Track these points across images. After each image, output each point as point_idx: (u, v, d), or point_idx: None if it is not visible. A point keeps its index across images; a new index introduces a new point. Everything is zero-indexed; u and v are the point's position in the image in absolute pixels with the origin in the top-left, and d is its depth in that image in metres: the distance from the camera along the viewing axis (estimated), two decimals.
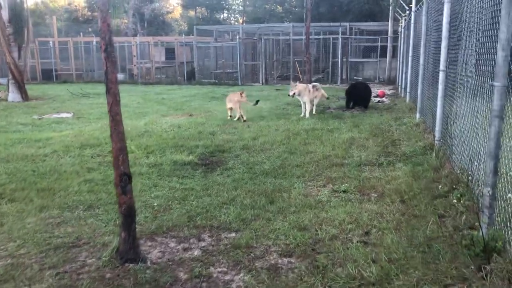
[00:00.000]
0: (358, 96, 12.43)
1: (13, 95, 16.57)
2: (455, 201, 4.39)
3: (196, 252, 3.88)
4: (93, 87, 22.77)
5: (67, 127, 10.59)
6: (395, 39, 23.76)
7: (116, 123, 3.26)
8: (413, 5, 11.41)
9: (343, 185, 5.54)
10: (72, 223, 4.56)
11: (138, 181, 6.09)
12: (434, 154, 6.34)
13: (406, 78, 15.16)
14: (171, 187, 5.87)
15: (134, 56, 29.28)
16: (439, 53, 6.56)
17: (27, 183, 5.97)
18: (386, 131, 8.86)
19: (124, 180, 3.35)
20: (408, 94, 12.64)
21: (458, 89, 5.62)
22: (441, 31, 6.52)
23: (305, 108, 11.19)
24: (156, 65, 29.50)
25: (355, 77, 25.17)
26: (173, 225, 4.44)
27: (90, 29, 47.76)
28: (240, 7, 57.93)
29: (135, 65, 29.15)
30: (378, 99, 14.99)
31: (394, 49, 23.67)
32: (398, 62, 20.52)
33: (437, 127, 6.34)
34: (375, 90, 16.85)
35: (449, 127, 5.97)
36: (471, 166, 4.61)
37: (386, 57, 24.39)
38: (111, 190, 5.67)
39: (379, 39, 25.18)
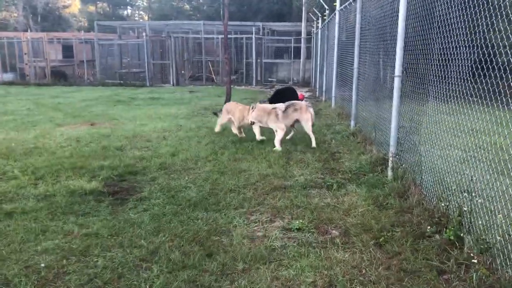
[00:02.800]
0: (287, 99, 11.43)
1: None
2: (450, 245, 3.45)
3: None
4: None
5: None
6: (308, 40, 23.49)
7: None
8: (337, 3, 10.70)
9: (296, 221, 4.40)
10: None
11: (20, 225, 4.45)
12: (390, 173, 5.47)
13: (324, 81, 14.63)
14: (66, 232, 4.32)
15: (26, 53, 25.89)
16: (389, 56, 5.73)
17: None
18: (322, 142, 7.95)
19: None
20: (333, 98, 11.98)
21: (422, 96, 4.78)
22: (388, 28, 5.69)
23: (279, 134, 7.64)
24: (52, 64, 26.37)
25: (269, 79, 24.53)
26: None
27: None
28: (145, 3, 55.09)
29: (27, 64, 25.78)
30: None
31: (308, 50, 23.39)
32: (313, 64, 20.16)
33: (392, 141, 5.49)
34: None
35: (410, 142, 5.13)
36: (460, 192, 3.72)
37: (299, 58, 24.06)
38: None
39: (292, 40, 24.79)
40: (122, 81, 23.22)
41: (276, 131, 7.60)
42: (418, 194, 4.61)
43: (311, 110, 7.86)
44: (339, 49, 11.14)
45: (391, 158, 5.54)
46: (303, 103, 8.15)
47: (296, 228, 4.23)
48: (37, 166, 6.58)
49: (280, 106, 7.73)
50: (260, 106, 7.82)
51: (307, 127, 7.74)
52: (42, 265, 3.61)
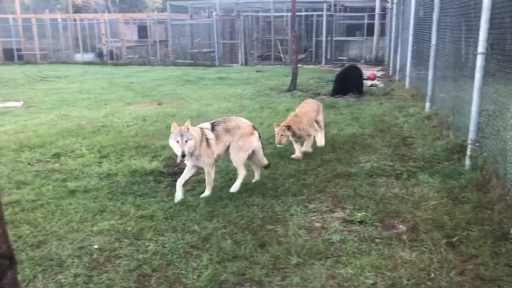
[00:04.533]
0: (352, 81, 10.92)
1: None
2: None
3: None
4: (56, 69, 20.70)
5: (10, 120, 8.82)
6: (382, 16, 22.27)
7: None
8: None
9: (358, 212, 4.05)
10: None
11: (81, 203, 4.51)
12: (468, 162, 4.91)
13: (398, 59, 13.76)
14: (123, 213, 4.31)
15: (103, 34, 27.06)
16: (472, 31, 5.08)
17: None
18: (393, 126, 7.40)
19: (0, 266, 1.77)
20: (407, 77, 11.20)
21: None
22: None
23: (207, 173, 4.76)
24: (128, 44, 27.36)
25: (339, 57, 23.68)
26: None
27: (59, 6, 44.73)
28: None
29: (104, 45, 26.96)
30: (370, 82, 13.54)
31: (382, 26, 22.19)
32: (387, 41, 19.08)
33: (472, 126, 4.89)
34: (364, 71, 15.37)
35: (494, 127, 4.54)
36: None
37: (372, 35, 22.91)
38: (39, 221, 4.10)
39: (366, 16, 23.63)
40: (192, 61, 23.54)
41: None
42: (501, 187, 4.05)
43: (256, 134, 4.93)
44: (416, 25, 10.32)
45: (470, 145, 4.95)
46: (244, 122, 4.96)
47: (358, 221, 3.89)
48: (104, 144, 6.73)
49: (209, 132, 4.71)
50: (193, 129, 4.57)
51: (235, 158, 4.78)
52: (95, 247, 3.60)
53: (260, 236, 3.64)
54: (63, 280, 3.11)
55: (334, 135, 6.87)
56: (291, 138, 5.81)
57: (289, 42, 22.95)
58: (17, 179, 5.28)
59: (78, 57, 26.88)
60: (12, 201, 4.61)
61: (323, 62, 22.10)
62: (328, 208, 4.23)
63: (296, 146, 5.93)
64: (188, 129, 4.40)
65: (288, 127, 5.66)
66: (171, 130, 4.38)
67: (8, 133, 7.66)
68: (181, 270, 3.17)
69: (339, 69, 16.37)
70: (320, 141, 6.35)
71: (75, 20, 28.39)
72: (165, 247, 3.54)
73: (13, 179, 5.28)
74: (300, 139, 5.94)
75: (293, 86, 11.83)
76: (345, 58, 23.37)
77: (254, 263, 3.23)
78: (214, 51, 23.53)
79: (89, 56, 27.09)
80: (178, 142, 4.32)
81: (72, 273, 3.18)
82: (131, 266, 3.26)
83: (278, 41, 23.89)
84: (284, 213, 4.12)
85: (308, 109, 6.27)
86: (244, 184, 4.86)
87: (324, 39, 22.33)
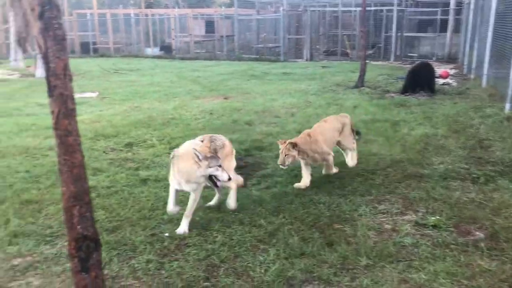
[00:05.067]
0: (423, 79, 10.46)
1: (41, 71, 15.51)
2: None
3: None
4: (128, 62, 21.63)
5: (87, 110, 9.32)
6: (457, 11, 21.14)
7: (67, 148, 1.77)
8: None
9: (431, 216, 3.88)
10: (41, 273, 3.16)
11: (152, 192, 4.69)
12: None
13: (474, 57, 12.99)
14: None
15: (173, 29, 27.91)
16: None
17: (12, 192, 4.67)
18: (468, 126, 7.01)
19: (86, 248, 1.88)
20: (484, 76, 10.55)
21: None
22: None
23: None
24: (195, 39, 28.03)
25: (409, 54, 22.79)
26: (184, 285, 2.96)
27: (132, 1, 46.71)
28: None
29: (173, 39, 27.80)
30: (442, 80, 12.91)
31: (456, 22, 21.08)
32: (463, 38, 18.10)
33: None
34: (436, 69, 14.67)
35: None
36: None
37: (445, 31, 21.82)
38: (114, 207, 4.30)
39: (439, 11, 22.54)
40: (257, 56, 23.67)
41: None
42: None
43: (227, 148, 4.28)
44: (496, 21, 9.68)
45: None
46: (226, 139, 4.37)
47: (432, 225, 3.72)
48: (173, 136, 6.94)
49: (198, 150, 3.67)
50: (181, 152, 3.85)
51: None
52: (166, 234, 3.71)
53: (328, 234, 3.59)
54: (136, 264, 3.24)
55: (404, 134, 6.62)
56: (299, 160, 4.72)
57: (356, 37, 22.46)
58: (93, 166, 5.57)
59: (149, 51, 27.92)
60: (89, 187, 4.87)
61: (392, 59, 21.39)
62: (398, 210, 4.08)
63: (305, 172, 4.81)
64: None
65: (294, 145, 4.60)
66: (198, 156, 3.56)
67: (85, 122, 8.10)
68: (248, 263, 3.20)
69: (409, 66, 15.77)
70: (352, 160, 5.27)
71: (146, 15, 29.52)
72: (232, 239, 3.59)
73: (89, 166, 5.57)
74: (315, 163, 4.90)
75: (360, 83, 11.54)
76: (416, 55, 22.45)
77: (322, 261, 3.19)
78: (279, 46, 23.50)
79: (158, 50, 28.02)
80: (220, 166, 3.69)
81: (144, 258, 3.31)
82: (200, 256, 3.33)
83: (345, 36, 23.43)
84: (352, 213, 4.03)
85: (326, 127, 5.02)
86: (311, 181, 4.81)
87: (393, 34, 21.60)
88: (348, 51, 23.15)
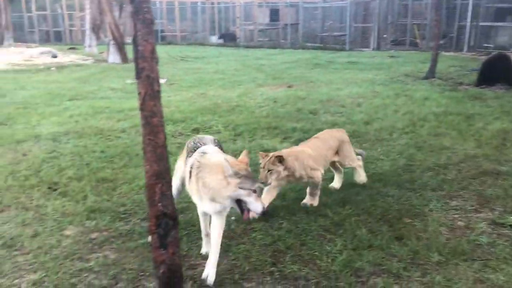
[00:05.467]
0: (501, 71, 9.83)
1: (113, 57, 16.32)
2: None
3: None
4: (194, 50, 22.12)
5: None
6: None
7: (151, 129, 1.84)
8: None
9: (510, 215, 3.66)
10: (116, 248, 3.34)
11: None
12: None
13: None
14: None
15: (238, 17, 28.15)
16: None
17: (89, 169, 4.95)
18: None
19: (165, 225, 1.96)
20: None
21: None
22: None
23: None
24: (259, 27, 28.10)
25: (484, 44, 21.48)
26: (251, 268, 3.01)
27: None
28: None
29: (238, 27, 28.05)
30: None
31: None
32: None
33: None
34: None
35: None
36: None
37: None
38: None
39: None
40: (322, 45, 23.34)
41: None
42: None
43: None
44: None
45: None
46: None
47: (510, 225, 3.51)
48: (237, 123, 7.02)
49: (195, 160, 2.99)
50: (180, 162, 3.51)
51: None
52: (233, 218, 3.78)
53: (397, 228, 3.49)
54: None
55: (480, 128, 6.27)
56: (282, 176, 3.80)
57: (427, 26, 21.49)
58: None
59: (213, 39, 28.37)
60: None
61: (465, 49, 20.28)
62: (473, 208, 3.89)
63: (267, 194, 3.85)
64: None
65: (280, 158, 3.73)
66: (227, 171, 2.68)
67: None
68: (315, 252, 3.18)
69: (484, 57, 14.86)
70: (360, 177, 4.47)
71: (212, 3, 29.95)
72: (298, 227, 3.59)
73: None
74: (298, 181, 3.99)
75: (431, 74, 11.05)
76: (492, 45, 21.12)
77: (391, 255, 3.11)
78: (345, 35, 23.02)
79: (217, 38, 28.35)
80: (255, 192, 2.77)
81: None
82: (267, 241, 3.37)
83: (414, 25, 22.49)
84: (422, 208, 3.89)
85: (318, 144, 4.20)
86: (378, 173, 4.71)
87: (468, 24, 20.43)
88: (418, 41, 22.23)
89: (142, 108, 1.85)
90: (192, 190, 2.94)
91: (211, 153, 2.98)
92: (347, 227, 3.53)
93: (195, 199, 2.98)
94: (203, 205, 2.91)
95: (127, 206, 4.06)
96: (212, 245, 2.92)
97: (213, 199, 2.79)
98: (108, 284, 2.82)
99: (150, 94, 1.84)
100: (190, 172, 2.92)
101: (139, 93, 1.85)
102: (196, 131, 6.72)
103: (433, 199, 4.05)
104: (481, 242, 3.26)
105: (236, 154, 5.55)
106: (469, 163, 4.98)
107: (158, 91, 1.85)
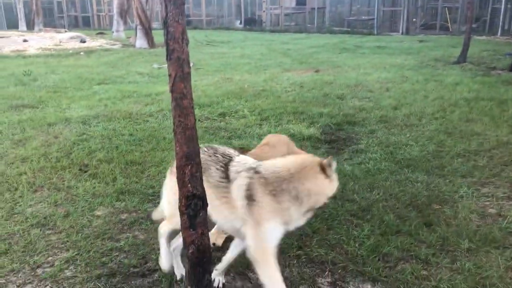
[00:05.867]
0: None
1: (140, 41, 16.46)
2: None
3: None
4: (219, 35, 22.09)
5: None
6: None
7: (182, 111, 1.85)
8: None
9: None
10: (145, 228, 3.40)
11: None
12: None
13: None
14: None
15: (264, 1, 27.91)
16: None
17: (118, 152, 5.04)
18: None
19: (194, 205, 1.98)
20: None
21: None
22: None
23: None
24: (286, 12, 27.81)
25: None
26: (277, 251, 3.02)
27: None
28: None
29: (264, 11, 27.84)
30: None
31: None
32: None
33: None
34: None
35: None
36: None
37: None
38: None
39: None
40: (349, 29, 22.96)
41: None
42: None
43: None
44: None
45: None
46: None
47: None
48: (264, 107, 7.01)
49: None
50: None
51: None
52: None
53: (426, 214, 3.44)
54: None
55: None
56: None
57: (459, 9, 20.86)
58: None
59: (238, 23, 28.25)
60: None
61: (499, 33, 19.61)
62: (505, 195, 3.79)
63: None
64: None
65: None
66: (332, 163, 2.24)
67: None
68: (341, 236, 3.17)
69: None
70: None
71: None
72: (324, 212, 3.57)
73: None
74: None
75: (463, 58, 10.74)
76: None
77: (420, 241, 3.07)
78: (373, 19, 22.57)
79: (238, 24, 28.18)
80: None
81: None
82: None
83: (446, 8, 21.85)
84: (452, 194, 3.82)
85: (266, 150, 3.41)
86: (406, 159, 4.64)
87: (502, 6, 19.72)
88: (449, 24, 21.61)
89: (173, 89, 1.85)
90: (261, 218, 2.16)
91: (260, 162, 2.35)
92: (374, 213, 3.50)
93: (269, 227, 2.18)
94: (279, 229, 2.21)
95: (155, 188, 4.12)
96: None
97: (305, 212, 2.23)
98: (137, 263, 2.89)
99: (180, 76, 1.84)
100: (248, 196, 2.17)
101: (170, 75, 1.86)
102: (222, 115, 6.75)
103: (464, 186, 3.97)
104: None
105: (262, 139, 5.60)
106: (501, 149, 4.85)
107: (188, 73, 1.86)
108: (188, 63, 1.88)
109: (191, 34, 21.44)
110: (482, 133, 5.41)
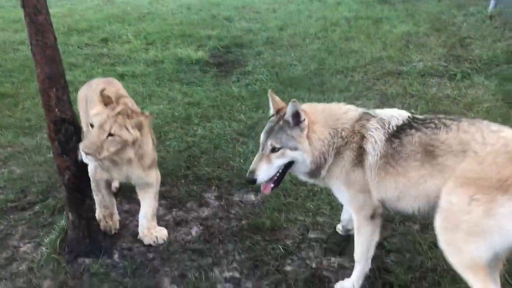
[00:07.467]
0: None
1: None
2: None
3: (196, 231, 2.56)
4: None
5: (57, 3, 8.79)
6: None
7: (38, 28, 1.70)
8: None
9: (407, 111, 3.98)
10: (22, 162, 3.21)
11: (130, 87, 4.61)
12: None
13: None
14: (170, 99, 4.42)
15: None
16: None
17: None
18: (450, 25, 6.91)
19: (64, 130, 1.89)
20: None
21: None
22: None
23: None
24: None
25: None
26: (165, 173, 3.06)
27: None
28: None
29: None
30: None
31: None
32: None
33: None
34: None
35: None
36: None
37: None
38: None
39: None
40: None
41: None
42: None
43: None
44: None
45: None
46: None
47: None
48: (149, 31, 6.70)
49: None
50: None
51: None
52: None
53: None
54: None
55: (386, 32, 6.51)
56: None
57: None
58: (68, 61, 5.41)
59: None
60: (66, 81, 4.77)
61: None
62: (375, 106, 4.15)
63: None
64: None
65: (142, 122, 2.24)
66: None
67: (56, 16, 7.67)
68: (228, 154, 3.29)
69: None
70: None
71: None
72: (212, 132, 3.66)
73: (65, 61, 5.31)
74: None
75: None
76: None
77: None
78: None
79: None
80: None
81: None
82: (181, 147, 3.41)
83: None
84: None
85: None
86: (290, 78, 4.81)
87: None
88: None
89: (25, 4, 1.68)
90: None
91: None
92: (258, 130, 3.64)
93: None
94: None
95: (32, 121, 3.86)
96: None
97: None
98: (16, 197, 2.75)
99: None
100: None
101: None
102: (105, 41, 6.34)
103: (340, 100, 4.25)
104: None
105: (149, 65, 5.41)
106: (375, 64, 5.23)
107: None
108: None
109: None
110: (359, 50, 5.76)
